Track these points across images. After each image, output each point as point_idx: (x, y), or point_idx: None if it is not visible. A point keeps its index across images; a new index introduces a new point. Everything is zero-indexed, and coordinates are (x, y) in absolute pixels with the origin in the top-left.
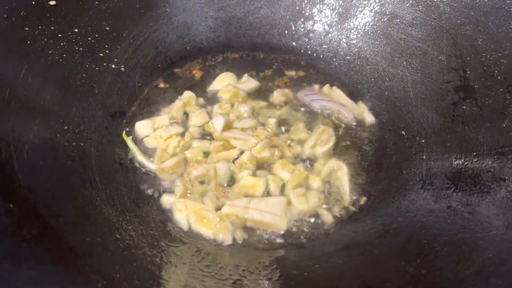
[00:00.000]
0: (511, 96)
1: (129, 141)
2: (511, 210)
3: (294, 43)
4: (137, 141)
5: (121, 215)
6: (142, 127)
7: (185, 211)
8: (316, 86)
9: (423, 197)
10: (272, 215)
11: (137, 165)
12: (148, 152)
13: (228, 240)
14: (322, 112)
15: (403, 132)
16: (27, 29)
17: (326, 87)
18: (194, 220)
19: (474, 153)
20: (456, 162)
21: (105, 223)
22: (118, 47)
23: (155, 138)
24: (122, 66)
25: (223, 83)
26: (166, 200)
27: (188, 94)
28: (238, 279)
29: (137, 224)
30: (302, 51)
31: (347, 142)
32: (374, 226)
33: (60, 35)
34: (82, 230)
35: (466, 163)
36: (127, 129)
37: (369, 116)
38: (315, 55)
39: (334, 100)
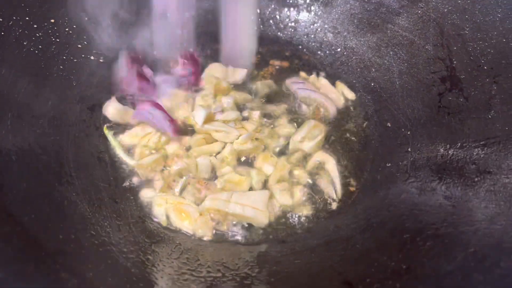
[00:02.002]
0: (497, 87)
1: (110, 136)
2: (494, 203)
3: (279, 33)
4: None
5: (97, 211)
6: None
7: (164, 205)
8: (303, 74)
9: (407, 190)
10: (254, 210)
11: (116, 159)
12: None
13: (208, 235)
14: (306, 102)
15: (388, 124)
16: (0, 20)
17: (313, 77)
18: (174, 215)
19: (459, 145)
20: (441, 154)
21: (80, 220)
22: (97, 38)
23: (130, 136)
24: (101, 58)
25: (211, 74)
26: (145, 194)
27: None
28: (216, 276)
29: (114, 219)
30: (287, 41)
31: (332, 135)
32: (356, 220)
33: (35, 26)
34: (55, 227)
35: (451, 155)
36: (109, 124)
37: (349, 93)
38: (300, 46)
39: (320, 91)
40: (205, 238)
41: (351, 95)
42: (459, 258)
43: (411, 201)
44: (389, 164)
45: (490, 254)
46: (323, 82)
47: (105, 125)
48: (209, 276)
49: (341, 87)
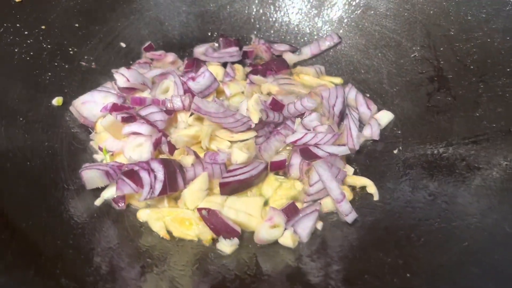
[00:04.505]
0: (484, 85)
1: (107, 157)
2: (485, 198)
3: (268, 37)
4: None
5: (94, 217)
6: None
7: (162, 219)
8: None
9: (400, 188)
10: (247, 215)
11: None
12: None
13: (206, 239)
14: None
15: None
16: None
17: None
18: (175, 226)
19: (449, 142)
20: (431, 152)
21: (78, 225)
22: (89, 44)
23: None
24: (93, 64)
25: None
26: (141, 216)
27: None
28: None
29: (111, 224)
30: (275, 45)
31: None
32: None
33: (26, 33)
34: (53, 233)
35: (441, 153)
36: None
37: (335, 78)
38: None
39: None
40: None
41: (338, 80)
42: (454, 252)
43: (404, 199)
44: (382, 164)
45: (483, 247)
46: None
47: (104, 146)
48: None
49: (327, 78)
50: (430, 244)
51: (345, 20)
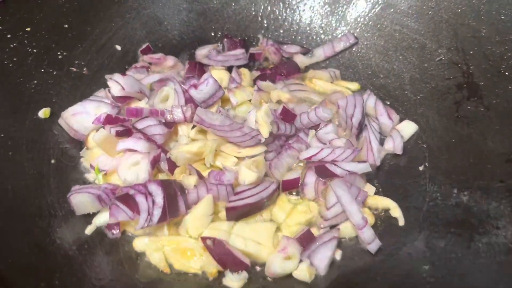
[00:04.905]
0: None
1: (100, 177)
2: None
3: (277, 37)
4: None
5: (85, 248)
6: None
7: (161, 249)
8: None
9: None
10: (257, 245)
11: None
12: None
13: (211, 273)
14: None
15: None
16: None
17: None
18: (177, 257)
19: (483, 159)
20: (462, 170)
21: (65, 260)
22: (79, 47)
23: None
24: (85, 69)
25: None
26: (139, 245)
27: None
28: None
29: (103, 256)
30: (285, 46)
31: None
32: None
33: (9, 36)
34: (36, 273)
35: (475, 171)
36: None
37: (351, 84)
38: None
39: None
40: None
41: (353, 86)
42: None
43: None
44: (406, 182)
45: None
46: (318, 83)
47: (96, 165)
48: None
49: (342, 83)
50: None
51: (362, 19)
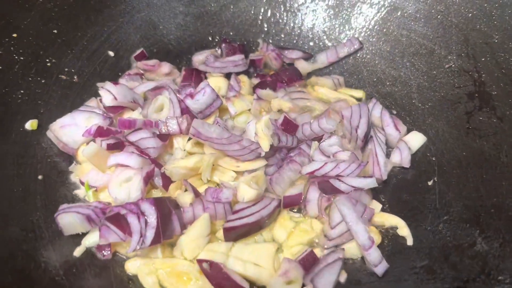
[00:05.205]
0: None
1: (90, 194)
2: None
3: (278, 42)
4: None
5: (73, 272)
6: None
7: (155, 273)
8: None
9: (439, 230)
10: (257, 267)
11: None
12: None
13: None
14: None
15: None
16: None
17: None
18: (171, 282)
19: (497, 175)
20: (474, 185)
21: (52, 287)
22: (69, 53)
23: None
24: (75, 77)
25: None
26: (131, 268)
27: None
28: None
29: (93, 281)
30: (287, 51)
31: None
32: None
33: None
34: None
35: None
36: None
37: (356, 92)
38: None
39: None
40: None
41: (357, 94)
42: None
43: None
44: (414, 198)
45: None
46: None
47: (86, 181)
48: None
49: (346, 91)
50: None
51: (367, 23)
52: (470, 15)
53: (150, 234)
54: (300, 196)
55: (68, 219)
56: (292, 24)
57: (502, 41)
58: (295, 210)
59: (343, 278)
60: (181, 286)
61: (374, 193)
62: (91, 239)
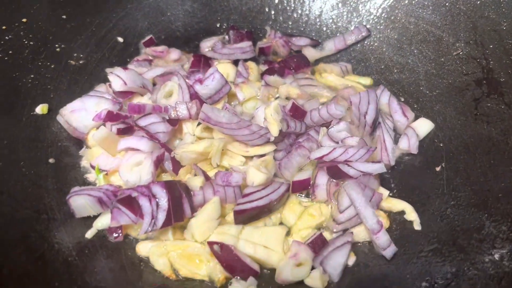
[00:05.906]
0: None
1: (101, 177)
2: None
3: (285, 29)
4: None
5: (85, 253)
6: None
7: (166, 255)
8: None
9: (447, 215)
10: (267, 250)
11: None
12: None
13: (219, 279)
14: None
15: None
16: None
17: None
18: (183, 263)
19: (504, 160)
20: (482, 171)
21: (65, 267)
22: (78, 39)
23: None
24: (84, 62)
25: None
26: (143, 249)
27: None
28: None
29: (105, 262)
30: (294, 39)
31: None
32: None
33: (4, 27)
34: (34, 283)
35: (495, 173)
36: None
37: (364, 79)
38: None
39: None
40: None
41: (364, 81)
42: None
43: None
44: (422, 183)
45: None
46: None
47: (96, 165)
48: None
49: (354, 78)
50: None
51: (375, 10)
52: (478, 2)
53: (161, 216)
54: (308, 181)
55: (80, 201)
56: (299, 11)
57: (511, 28)
58: (304, 195)
59: (351, 261)
60: (192, 267)
61: (382, 178)
62: (103, 222)
